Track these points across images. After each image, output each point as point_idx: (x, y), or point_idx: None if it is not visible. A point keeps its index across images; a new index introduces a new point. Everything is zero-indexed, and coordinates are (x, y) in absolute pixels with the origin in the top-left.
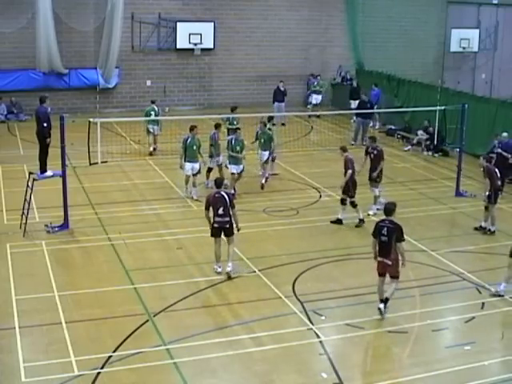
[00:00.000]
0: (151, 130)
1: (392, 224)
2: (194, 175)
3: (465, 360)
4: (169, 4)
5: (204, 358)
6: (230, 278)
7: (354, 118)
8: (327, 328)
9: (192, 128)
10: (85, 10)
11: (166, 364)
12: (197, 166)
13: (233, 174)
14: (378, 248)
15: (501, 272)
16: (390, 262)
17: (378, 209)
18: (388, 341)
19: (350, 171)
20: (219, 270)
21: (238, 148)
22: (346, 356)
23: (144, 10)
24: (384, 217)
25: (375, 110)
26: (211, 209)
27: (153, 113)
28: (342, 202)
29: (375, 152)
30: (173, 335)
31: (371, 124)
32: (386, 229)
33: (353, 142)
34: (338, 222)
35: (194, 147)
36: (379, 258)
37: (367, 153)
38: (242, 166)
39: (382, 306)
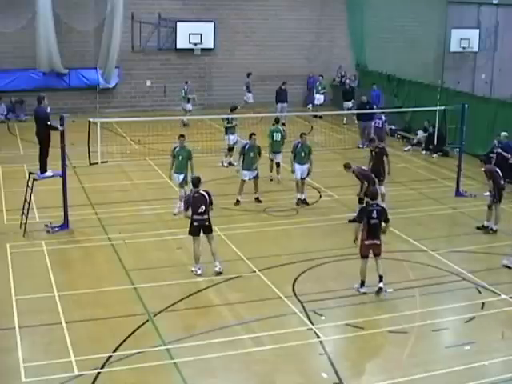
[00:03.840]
0: (190, 108)
1: (379, 206)
2: (182, 186)
3: (465, 360)
4: (169, 4)
5: (204, 357)
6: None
7: (354, 119)
8: (327, 328)
9: (179, 137)
10: (85, 10)
11: (166, 364)
12: (182, 177)
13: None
14: (367, 231)
15: (501, 272)
16: (379, 242)
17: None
18: (388, 341)
19: (365, 184)
20: (199, 272)
21: (303, 154)
22: (346, 356)
23: (144, 10)
24: (370, 201)
25: (374, 111)
26: (190, 209)
27: (182, 91)
28: (360, 201)
29: (377, 150)
30: (173, 335)
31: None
32: (375, 212)
33: (360, 146)
34: (356, 218)
35: (181, 158)
36: (368, 241)
37: (371, 152)
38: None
39: (381, 284)
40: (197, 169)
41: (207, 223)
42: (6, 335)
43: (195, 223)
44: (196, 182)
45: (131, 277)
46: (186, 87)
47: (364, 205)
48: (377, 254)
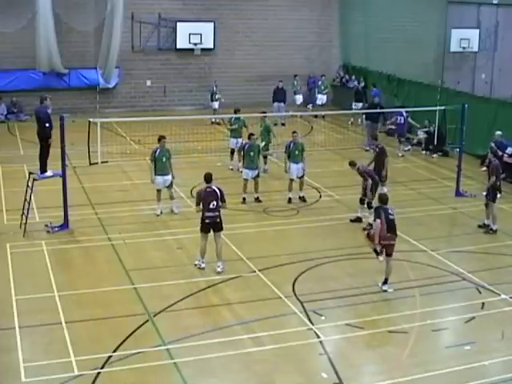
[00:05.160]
0: (213, 107)
1: (390, 206)
2: (168, 188)
3: (465, 360)
4: (169, 4)
5: (204, 357)
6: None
7: (360, 120)
8: (327, 328)
9: (160, 138)
10: (85, 10)
11: (166, 364)
12: (169, 178)
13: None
14: (386, 227)
15: (501, 272)
16: (394, 242)
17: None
18: (388, 341)
19: (369, 181)
20: (203, 265)
21: (296, 152)
22: (346, 356)
23: (144, 10)
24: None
25: (376, 111)
26: (201, 204)
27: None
28: (361, 201)
29: (377, 150)
30: (173, 335)
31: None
32: (390, 209)
33: (367, 148)
34: (358, 220)
35: (164, 159)
36: (386, 241)
37: (374, 151)
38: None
39: (386, 286)
40: (197, 169)
41: (218, 220)
42: (6, 335)
43: (207, 220)
44: (209, 177)
45: (131, 277)
46: (214, 87)
47: (365, 205)
48: (389, 254)
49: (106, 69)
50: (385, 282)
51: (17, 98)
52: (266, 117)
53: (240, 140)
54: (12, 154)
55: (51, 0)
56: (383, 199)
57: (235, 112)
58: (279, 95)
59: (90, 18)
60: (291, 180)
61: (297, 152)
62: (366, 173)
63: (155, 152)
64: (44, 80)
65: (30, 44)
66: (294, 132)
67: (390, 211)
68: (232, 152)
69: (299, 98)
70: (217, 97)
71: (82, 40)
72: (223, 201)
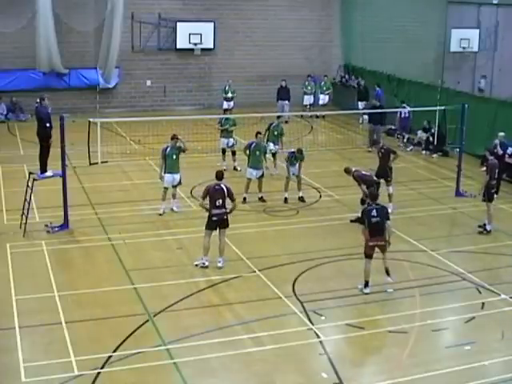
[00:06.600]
0: (226, 106)
1: (378, 205)
2: (174, 187)
3: (465, 360)
4: (169, 4)
5: (204, 357)
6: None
7: (361, 119)
8: (327, 328)
9: (173, 137)
10: (85, 10)
11: (166, 364)
12: (177, 177)
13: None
14: (369, 231)
15: (501, 272)
16: (383, 243)
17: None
18: (388, 341)
19: (362, 186)
20: (206, 263)
21: (295, 161)
22: (346, 356)
23: (144, 10)
24: (369, 202)
25: (376, 111)
26: (208, 200)
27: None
28: (362, 202)
29: (382, 151)
30: (173, 335)
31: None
32: (374, 210)
33: (370, 149)
34: (358, 220)
35: (174, 157)
36: (373, 242)
37: (378, 153)
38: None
39: (390, 278)
40: (197, 169)
41: (225, 216)
42: (6, 335)
43: (214, 218)
44: (220, 175)
45: (131, 277)
46: (226, 86)
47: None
48: (383, 251)
49: (105, 69)
50: (388, 274)
51: (17, 98)
52: (279, 117)
53: (231, 140)
54: (12, 153)
55: (51, 0)
56: (371, 196)
57: (224, 112)
58: (283, 93)
59: (90, 18)
60: (287, 179)
61: (295, 162)
62: (359, 177)
63: (165, 149)
64: (44, 80)
65: (30, 44)
66: (301, 152)
67: (373, 213)
68: (223, 152)
69: (309, 99)
70: (230, 96)
71: (81, 40)
72: (232, 199)
